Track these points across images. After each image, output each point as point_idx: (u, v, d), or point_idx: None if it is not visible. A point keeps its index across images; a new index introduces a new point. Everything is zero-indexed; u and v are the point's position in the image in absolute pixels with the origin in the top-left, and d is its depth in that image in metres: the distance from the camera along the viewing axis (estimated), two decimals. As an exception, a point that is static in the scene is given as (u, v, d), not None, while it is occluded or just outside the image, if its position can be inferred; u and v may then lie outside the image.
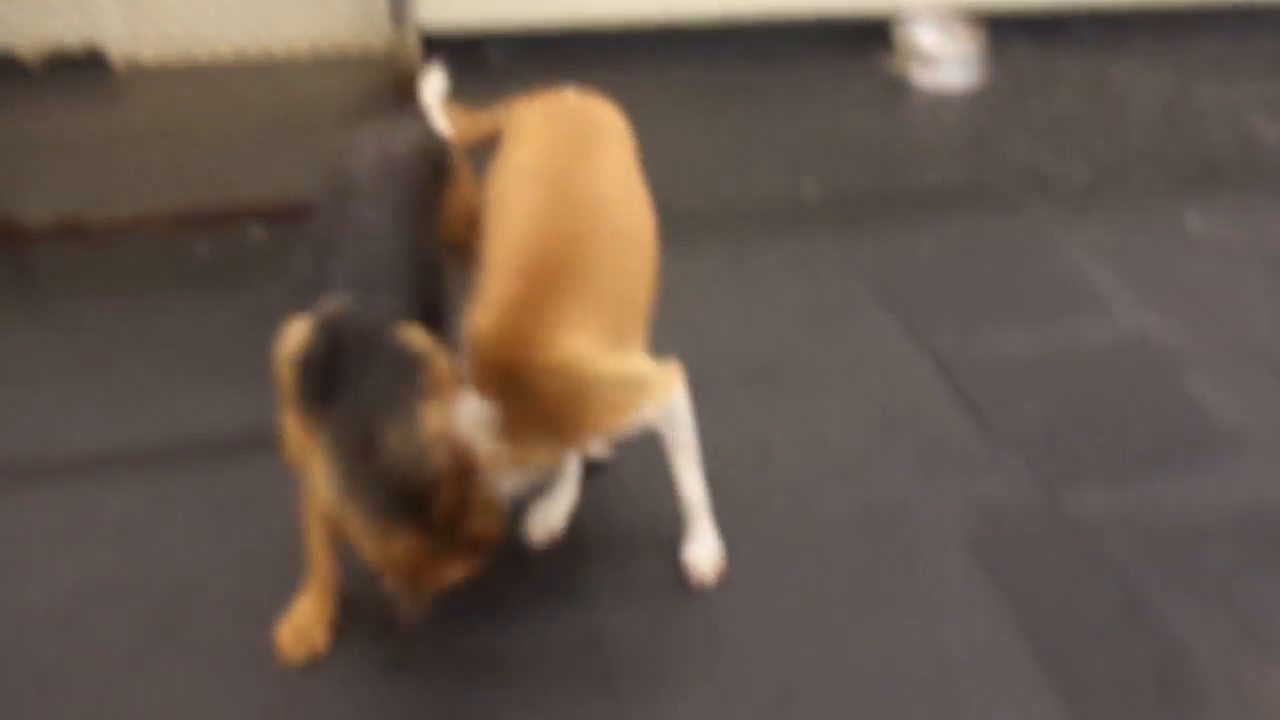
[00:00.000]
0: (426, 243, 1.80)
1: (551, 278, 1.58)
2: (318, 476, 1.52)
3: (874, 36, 4.09)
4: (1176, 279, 2.81)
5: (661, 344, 2.55)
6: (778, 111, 3.69)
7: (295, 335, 1.58)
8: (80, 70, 3.57)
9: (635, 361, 1.70)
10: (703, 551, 1.93)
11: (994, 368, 2.48)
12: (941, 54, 3.91)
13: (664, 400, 1.72)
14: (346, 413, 1.51)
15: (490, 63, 3.70)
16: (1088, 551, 2.00)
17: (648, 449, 1.90)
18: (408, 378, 1.55)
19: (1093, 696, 1.73)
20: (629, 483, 2.15)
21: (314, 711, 1.70)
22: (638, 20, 3.92)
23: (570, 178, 1.75)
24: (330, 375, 1.53)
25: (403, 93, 2.87)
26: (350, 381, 1.53)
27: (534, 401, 1.53)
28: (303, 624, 1.77)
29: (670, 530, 1.97)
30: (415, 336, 1.60)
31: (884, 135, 3.56)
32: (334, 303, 1.58)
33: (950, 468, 2.20)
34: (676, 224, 3.01)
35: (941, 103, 3.81)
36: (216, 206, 2.95)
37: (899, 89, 3.91)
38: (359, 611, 1.82)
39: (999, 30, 4.05)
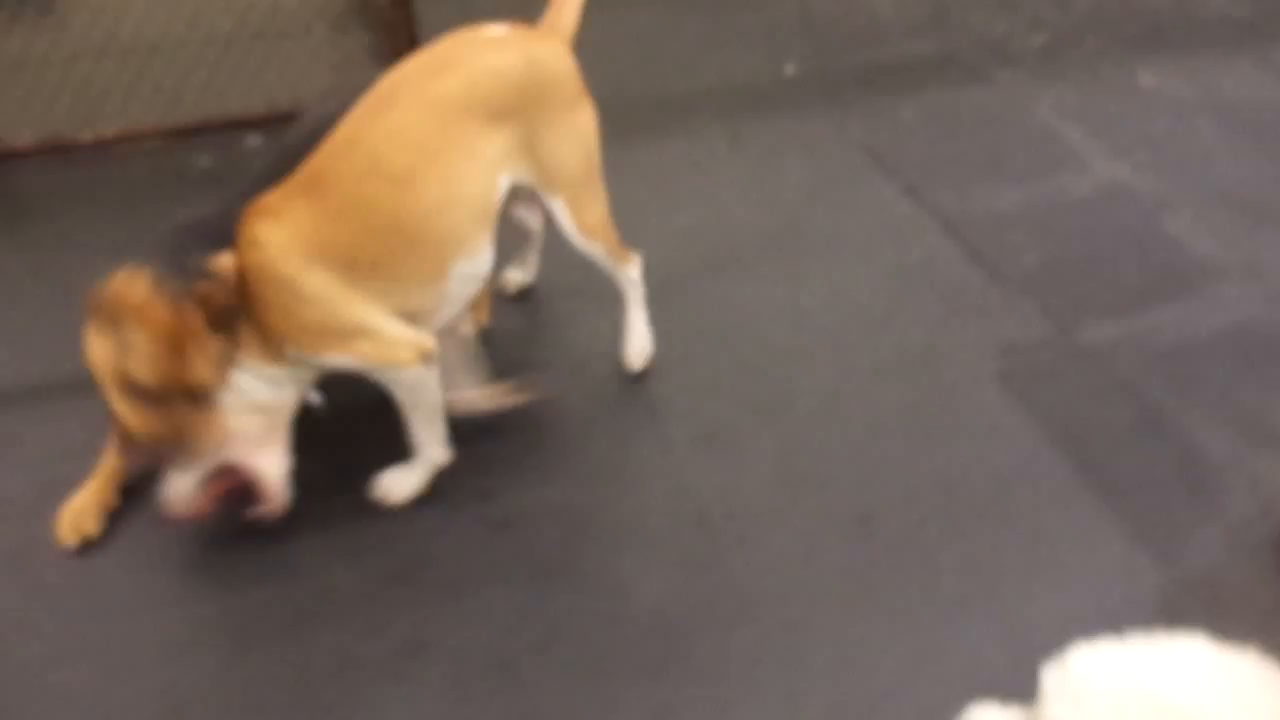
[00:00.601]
0: None
1: (302, 196, 1.64)
2: None
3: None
4: (1140, 132, 3.00)
5: (676, 216, 2.66)
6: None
7: None
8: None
9: (371, 313, 1.70)
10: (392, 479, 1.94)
11: (993, 222, 2.64)
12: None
13: (385, 360, 1.74)
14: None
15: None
16: (1103, 374, 2.20)
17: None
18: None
19: (1128, 496, 1.94)
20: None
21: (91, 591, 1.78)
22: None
23: (377, 119, 1.69)
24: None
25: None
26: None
27: (247, 298, 1.64)
28: (78, 509, 1.86)
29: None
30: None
31: (846, 13, 3.63)
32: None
33: (969, 313, 2.36)
34: (670, 107, 3.11)
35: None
36: (204, 119, 2.86)
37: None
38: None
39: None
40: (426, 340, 1.77)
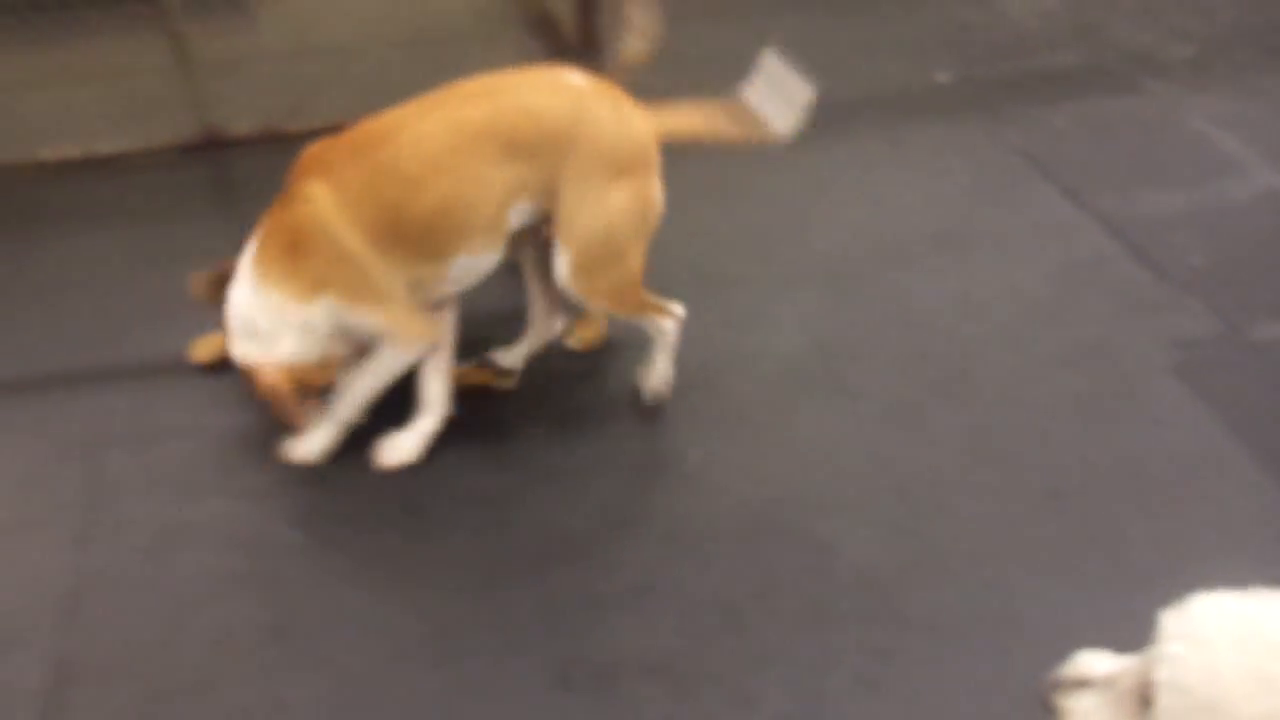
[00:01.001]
0: None
1: (349, 160, 1.87)
2: None
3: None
4: (1296, 143, 3.06)
5: (845, 212, 2.79)
6: (884, 5, 3.85)
7: None
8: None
9: (396, 284, 1.91)
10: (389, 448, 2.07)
11: (1156, 224, 2.72)
12: (1032, -52, 4.06)
13: (401, 332, 1.96)
14: None
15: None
16: (1278, 370, 2.28)
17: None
18: None
19: (1309, 483, 2.02)
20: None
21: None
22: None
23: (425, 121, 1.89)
24: None
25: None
26: None
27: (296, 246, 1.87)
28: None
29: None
30: None
31: (990, 25, 3.73)
32: None
33: (1140, 310, 2.45)
34: (830, 113, 3.22)
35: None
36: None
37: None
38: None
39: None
40: (437, 331, 2.00)
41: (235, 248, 2.60)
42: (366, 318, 1.92)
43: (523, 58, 3.35)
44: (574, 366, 2.32)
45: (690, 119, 2.02)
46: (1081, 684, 1.09)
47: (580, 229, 1.90)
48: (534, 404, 2.22)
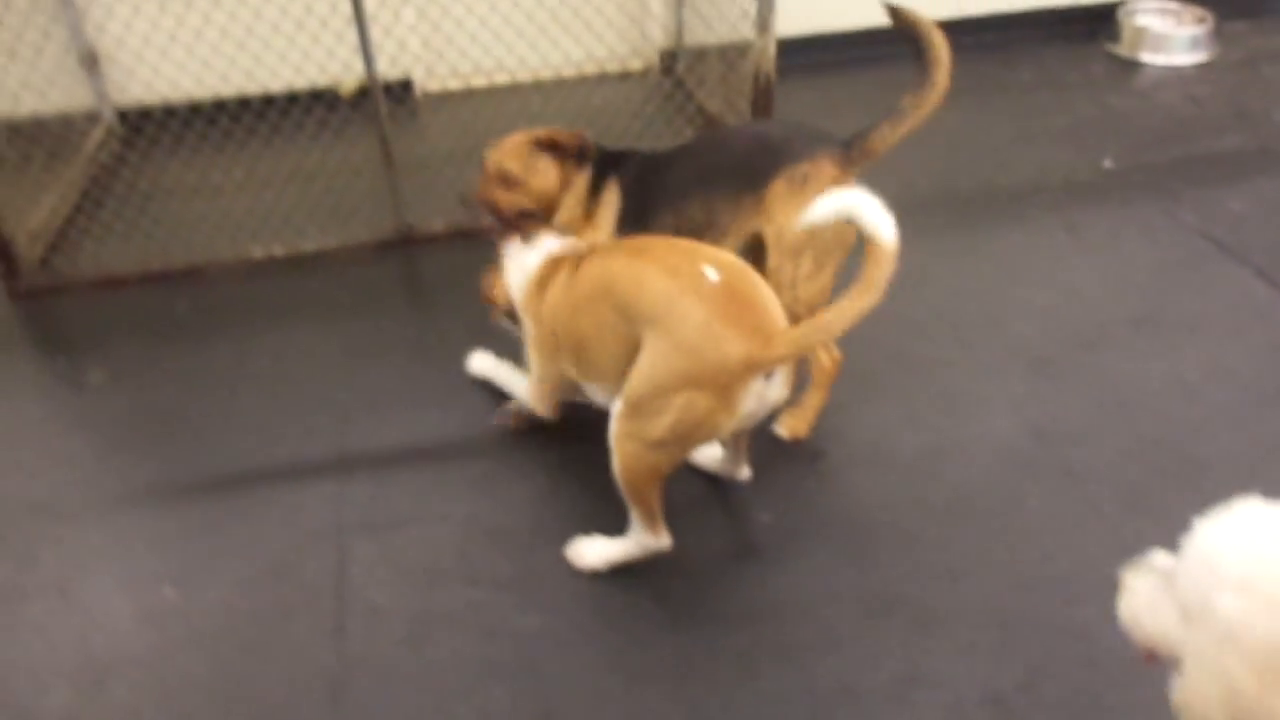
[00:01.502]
0: None
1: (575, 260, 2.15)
2: None
3: (1094, 22, 4.35)
4: None
5: (1035, 297, 2.80)
6: (1036, 97, 3.92)
7: None
8: (391, 100, 3.84)
9: (544, 360, 2.23)
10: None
11: (1360, 306, 2.69)
12: (1173, 35, 4.13)
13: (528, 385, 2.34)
14: None
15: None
16: None
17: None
18: None
19: None
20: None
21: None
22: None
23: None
24: None
25: (761, 103, 3.12)
26: None
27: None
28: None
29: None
30: None
31: (1147, 113, 3.77)
32: None
33: (1361, 392, 2.41)
34: (1002, 200, 3.29)
35: (1178, 78, 4.03)
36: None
37: (1132, 69, 4.14)
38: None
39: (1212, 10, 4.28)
40: (548, 412, 2.31)
41: (435, 338, 2.74)
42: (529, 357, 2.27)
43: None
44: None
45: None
46: (1148, 570, 1.25)
47: (630, 388, 1.88)
48: (761, 490, 2.25)
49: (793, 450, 2.35)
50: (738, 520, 2.19)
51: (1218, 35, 4.20)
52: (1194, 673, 1.11)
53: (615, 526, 2.06)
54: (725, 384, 1.78)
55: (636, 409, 1.86)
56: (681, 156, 2.34)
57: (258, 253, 3.06)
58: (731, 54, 3.52)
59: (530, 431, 2.41)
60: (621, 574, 2.06)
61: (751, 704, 1.81)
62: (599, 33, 3.90)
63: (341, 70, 3.80)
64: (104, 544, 2.20)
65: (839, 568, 2.06)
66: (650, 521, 2.00)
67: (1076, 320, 2.71)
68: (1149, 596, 1.22)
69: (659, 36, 4.16)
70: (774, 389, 1.86)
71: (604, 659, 1.91)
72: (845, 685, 1.82)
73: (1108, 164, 3.42)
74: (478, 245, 3.15)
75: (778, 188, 2.13)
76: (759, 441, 2.28)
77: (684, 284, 1.83)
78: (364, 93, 3.87)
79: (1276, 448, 2.27)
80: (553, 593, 2.04)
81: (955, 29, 4.39)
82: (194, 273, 3.03)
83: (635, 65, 4.21)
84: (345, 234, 3.12)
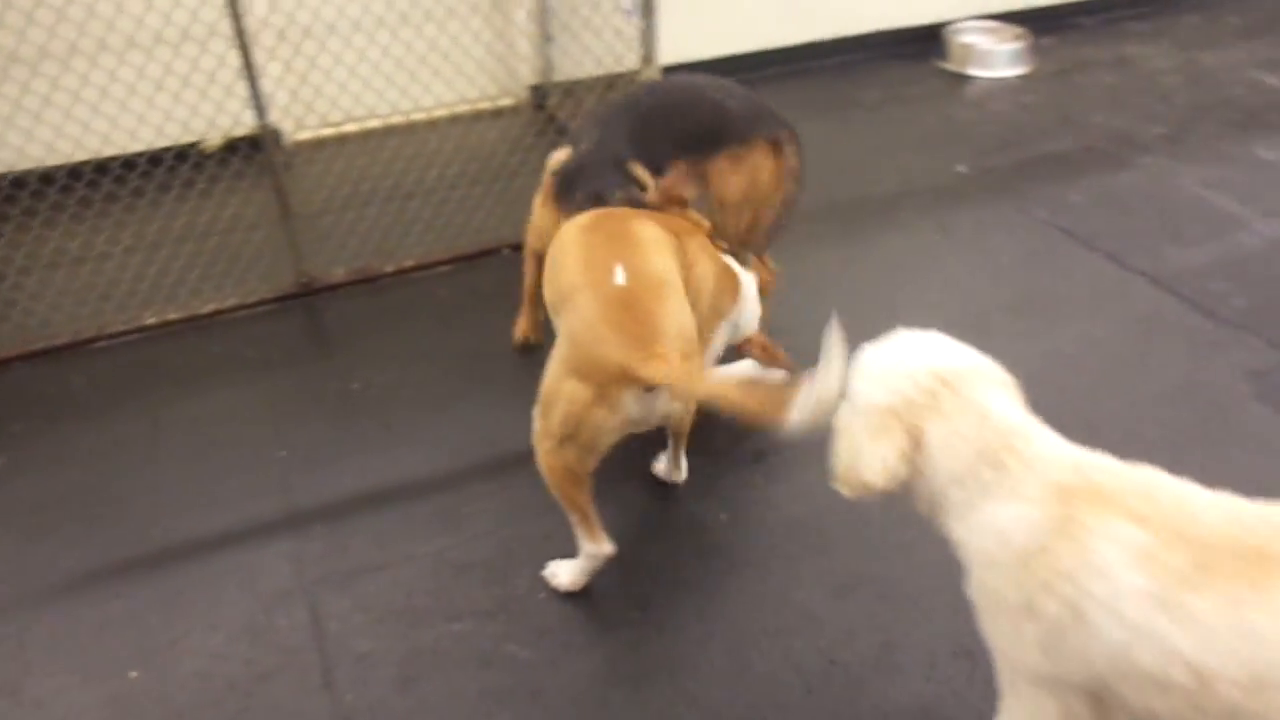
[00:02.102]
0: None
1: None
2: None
3: (926, 41, 4.83)
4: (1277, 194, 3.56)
5: (924, 295, 3.10)
6: (887, 112, 4.32)
7: (557, 156, 2.63)
8: (256, 152, 3.80)
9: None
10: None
11: (1191, 276, 3.13)
12: (995, 51, 4.64)
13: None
14: (585, 197, 2.44)
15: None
16: (1343, 388, 2.65)
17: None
18: (628, 182, 2.45)
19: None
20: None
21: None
22: (773, 45, 4.61)
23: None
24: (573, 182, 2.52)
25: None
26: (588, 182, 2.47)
27: None
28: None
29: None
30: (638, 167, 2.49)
31: (984, 121, 4.22)
32: (583, 143, 2.57)
33: (1207, 350, 2.81)
34: (877, 207, 3.61)
35: (1006, 89, 4.52)
36: (481, 247, 3.30)
37: (964, 82, 4.62)
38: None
39: (1025, 27, 4.84)
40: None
41: (360, 385, 2.77)
42: None
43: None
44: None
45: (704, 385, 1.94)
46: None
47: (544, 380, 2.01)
48: (714, 493, 2.41)
49: (735, 453, 2.53)
50: (698, 522, 2.34)
51: (1034, 49, 4.75)
52: (839, 443, 1.57)
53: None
54: (602, 382, 1.88)
55: (542, 402, 1.99)
56: (653, 117, 2.58)
57: (150, 318, 2.99)
58: (604, 85, 3.72)
59: (482, 462, 2.50)
60: (599, 588, 2.17)
61: (749, 689, 1.95)
62: (469, 74, 4.02)
63: (206, 126, 3.76)
64: (47, 638, 2.12)
65: (801, 555, 2.24)
66: (586, 528, 2.08)
67: (960, 310, 3.03)
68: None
69: (527, 74, 4.31)
70: (660, 402, 1.96)
71: (601, 670, 2.01)
72: (830, 659, 2.00)
73: (961, 168, 3.81)
74: (381, 290, 3.20)
75: (720, 163, 2.52)
76: (702, 446, 2.45)
77: (591, 278, 1.98)
78: (231, 147, 3.84)
79: (1149, 405, 2.63)
80: (538, 616, 2.12)
81: (806, 53, 4.84)
82: (82, 346, 2.92)
83: (506, 102, 4.34)
84: (243, 291, 3.09)
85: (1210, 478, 1.44)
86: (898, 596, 2.13)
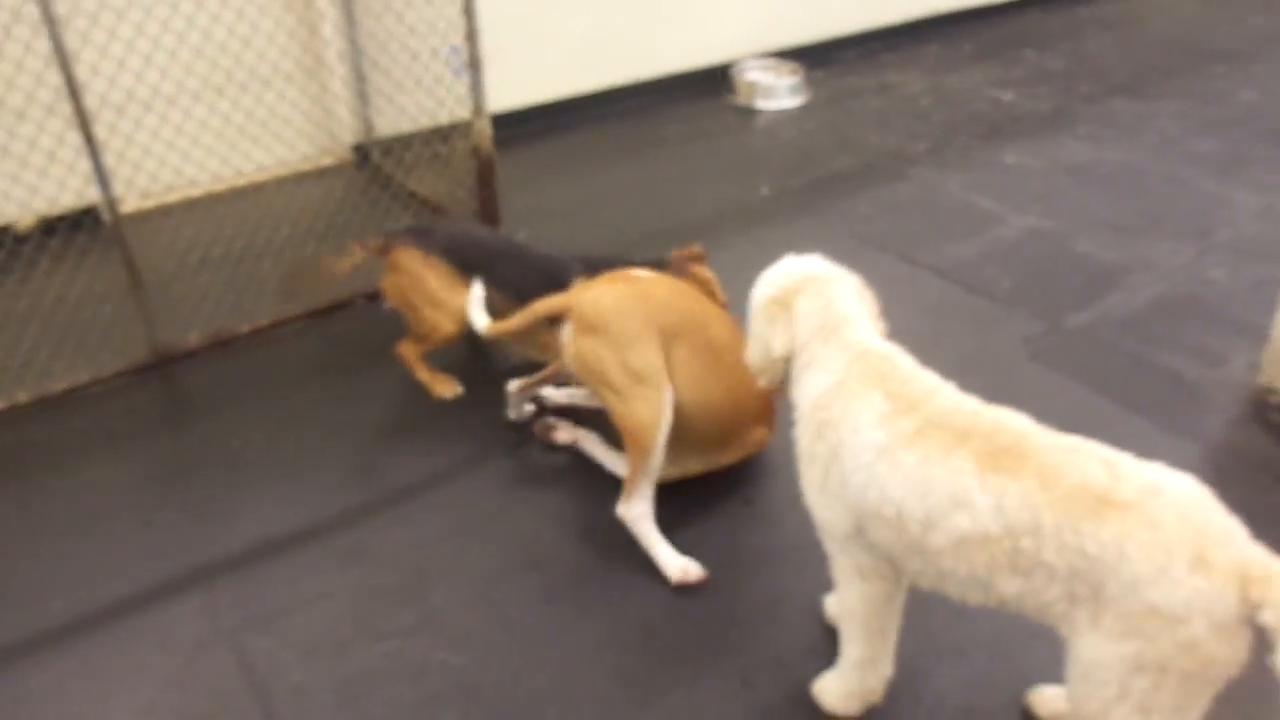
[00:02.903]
0: None
1: None
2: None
3: (714, 80, 5.36)
4: (1026, 193, 4.25)
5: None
6: (690, 147, 4.79)
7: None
8: (76, 229, 3.77)
9: None
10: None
11: (967, 266, 3.71)
12: (776, 85, 5.21)
13: None
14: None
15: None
16: (1094, 342, 3.25)
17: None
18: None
19: (1146, 407, 2.94)
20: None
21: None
22: (577, 93, 4.97)
23: None
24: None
25: (485, 176, 3.58)
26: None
27: None
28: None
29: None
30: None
31: (771, 148, 4.76)
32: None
33: (987, 325, 3.37)
34: (699, 231, 4.02)
35: (790, 118, 5.10)
36: (336, 300, 3.44)
37: (753, 114, 5.16)
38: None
39: (798, 62, 5.46)
40: None
41: (239, 443, 2.86)
42: None
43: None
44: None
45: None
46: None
47: None
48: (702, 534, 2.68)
49: (724, 499, 2.73)
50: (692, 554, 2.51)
51: (808, 82, 5.37)
52: (751, 346, 2.05)
53: (486, 561, 2.39)
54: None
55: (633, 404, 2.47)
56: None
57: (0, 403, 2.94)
58: (433, 138, 3.95)
59: (375, 497, 2.66)
60: (506, 588, 2.39)
61: (681, 671, 2.23)
62: (287, 138, 4.15)
63: (18, 208, 3.70)
64: (-43, 725, 2.11)
65: (784, 579, 2.45)
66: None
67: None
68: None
69: (348, 133, 4.48)
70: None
71: (529, 663, 2.23)
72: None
73: (765, 190, 4.31)
74: (240, 352, 3.29)
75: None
76: (695, 494, 2.68)
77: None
78: (48, 228, 3.78)
79: (949, 373, 3.08)
80: (459, 623, 2.32)
81: (606, 98, 5.25)
82: (-76, 438, 2.85)
83: (327, 161, 4.48)
84: (96, 366, 3.09)
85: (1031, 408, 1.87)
86: (775, 559, 2.48)
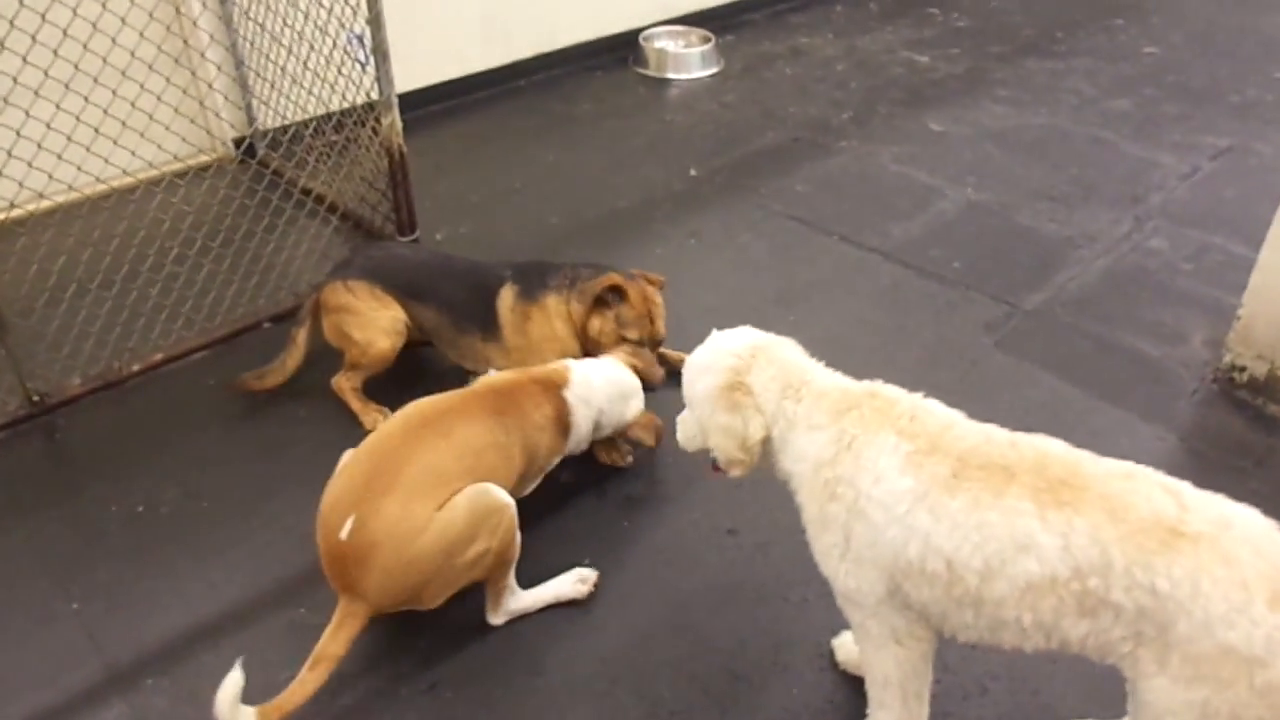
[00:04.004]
0: None
1: None
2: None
3: (623, 49, 5.09)
4: (959, 163, 4.16)
5: (700, 298, 3.31)
6: (605, 125, 4.51)
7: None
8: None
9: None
10: None
11: (912, 246, 3.59)
12: (688, 55, 4.97)
13: None
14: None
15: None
16: (1055, 323, 3.18)
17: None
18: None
19: (1116, 387, 2.89)
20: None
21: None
22: (477, 69, 4.66)
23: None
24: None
25: (398, 176, 3.24)
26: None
27: None
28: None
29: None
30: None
31: (697, 125, 4.53)
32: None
33: (945, 311, 3.26)
34: (629, 221, 3.78)
35: (705, 90, 4.88)
36: (235, 327, 3.07)
37: (666, 86, 4.92)
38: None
39: (706, 28, 5.23)
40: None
41: (144, 505, 2.51)
42: None
43: (334, 241, 3.50)
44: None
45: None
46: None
47: None
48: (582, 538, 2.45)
49: (706, 530, 2.57)
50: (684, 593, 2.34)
51: (719, 49, 5.15)
52: (712, 441, 1.86)
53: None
54: None
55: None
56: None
57: None
58: (327, 128, 3.57)
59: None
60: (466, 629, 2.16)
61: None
62: (153, 135, 3.68)
63: None
64: None
65: (785, 620, 2.34)
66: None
67: (734, 309, 3.27)
68: (683, 418, 1.99)
69: (227, 127, 4.03)
70: None
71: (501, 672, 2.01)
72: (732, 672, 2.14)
73: (693, 172, 4.09)
74: (132, 393, 2.90)
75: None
76: (675, 524, 2.51)
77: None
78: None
79: (913, 369, 3.00)
80: (430, 668, 2.08)
81: (511, 73, 4.91)
82: None
83: (205, 159, 4.02)
84: (-39, 425, 2.67)
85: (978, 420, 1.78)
86: (772, 598, 2.31)
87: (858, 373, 2.90)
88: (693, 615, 2.26)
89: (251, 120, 4.00)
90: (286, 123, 3.86)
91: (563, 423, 2.39)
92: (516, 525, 2.16)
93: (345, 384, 2.81)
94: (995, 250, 3.59)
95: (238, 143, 4.05)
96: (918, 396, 1.75)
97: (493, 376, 2.41)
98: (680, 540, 2.46)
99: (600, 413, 2.48)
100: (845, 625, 2.18)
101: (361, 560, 1.99)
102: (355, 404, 2.79)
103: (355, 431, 2.73)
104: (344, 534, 2.00)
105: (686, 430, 1.98)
